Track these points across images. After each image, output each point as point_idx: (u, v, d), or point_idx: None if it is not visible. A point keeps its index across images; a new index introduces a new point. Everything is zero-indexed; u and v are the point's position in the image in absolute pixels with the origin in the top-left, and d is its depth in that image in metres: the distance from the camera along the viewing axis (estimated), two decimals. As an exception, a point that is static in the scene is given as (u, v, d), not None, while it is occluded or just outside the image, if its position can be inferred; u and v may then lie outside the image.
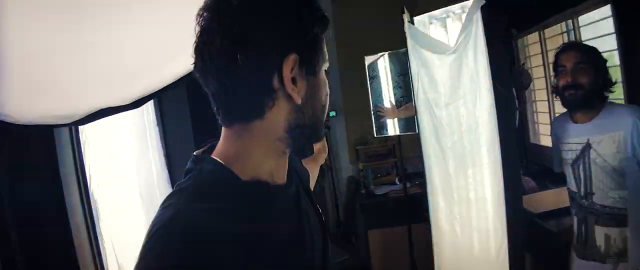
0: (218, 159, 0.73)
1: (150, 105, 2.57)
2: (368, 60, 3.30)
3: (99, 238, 2.47)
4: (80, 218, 2.42)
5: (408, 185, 3.61)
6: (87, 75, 1.61)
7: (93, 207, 2.45)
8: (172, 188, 0.74)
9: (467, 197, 2.45)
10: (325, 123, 0.86)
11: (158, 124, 2.61)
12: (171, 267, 0.58)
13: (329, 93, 0.80)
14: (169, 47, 1.60)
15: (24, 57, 1.41)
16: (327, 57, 0.77)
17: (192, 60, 0.74)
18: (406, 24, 2.52)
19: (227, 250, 0.63)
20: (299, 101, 0.72)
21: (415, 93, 2.56)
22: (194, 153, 0.79)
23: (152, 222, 0.66)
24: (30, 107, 1.56)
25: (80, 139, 2.38)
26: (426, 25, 2.55)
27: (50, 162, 2.15)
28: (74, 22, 1.32)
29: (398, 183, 4.16)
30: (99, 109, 1.78)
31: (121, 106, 1.84)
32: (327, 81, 0.79)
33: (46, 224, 2.10)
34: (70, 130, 2.41)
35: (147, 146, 2.56)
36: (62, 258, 2.27)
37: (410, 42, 2.52)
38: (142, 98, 1.85)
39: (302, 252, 0.78)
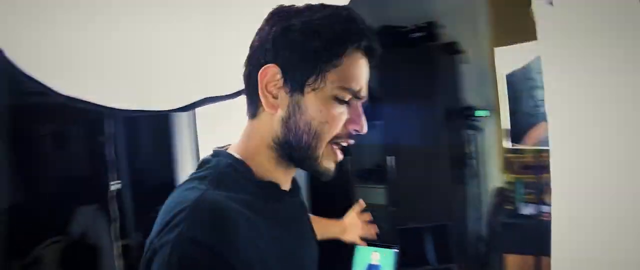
0: (235, 154, 0.83)
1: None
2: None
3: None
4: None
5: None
6: (191, 69, 1.76)
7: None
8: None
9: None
10: (344, 146, 0.83)
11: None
12: (202, 237, 0.64)
13: (331, 123, 0.77)
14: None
15: (144, 53, 1.64)
16: (349, 78, 0.76)
17: None
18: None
19: (245, 232, 0.69)
20: (269, 109, 0.79)
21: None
22: (213, 148, 0.88)
23: (174, 200, 0.73)
24: (149, 96, 1.74)
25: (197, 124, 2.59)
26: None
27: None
28: (177, 21, 1.56)
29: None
30: (204, 98, 1.88)
31: (222, 96, 1.90)
32: (330, 112, 0.77)
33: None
34: (187, 115, 2.64)
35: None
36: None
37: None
38: (241, 90, 1.88)
39: (300, 258, 0.85)
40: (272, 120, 0.80)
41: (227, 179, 0.77)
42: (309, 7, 0.78)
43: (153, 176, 2.80)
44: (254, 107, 0.83)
